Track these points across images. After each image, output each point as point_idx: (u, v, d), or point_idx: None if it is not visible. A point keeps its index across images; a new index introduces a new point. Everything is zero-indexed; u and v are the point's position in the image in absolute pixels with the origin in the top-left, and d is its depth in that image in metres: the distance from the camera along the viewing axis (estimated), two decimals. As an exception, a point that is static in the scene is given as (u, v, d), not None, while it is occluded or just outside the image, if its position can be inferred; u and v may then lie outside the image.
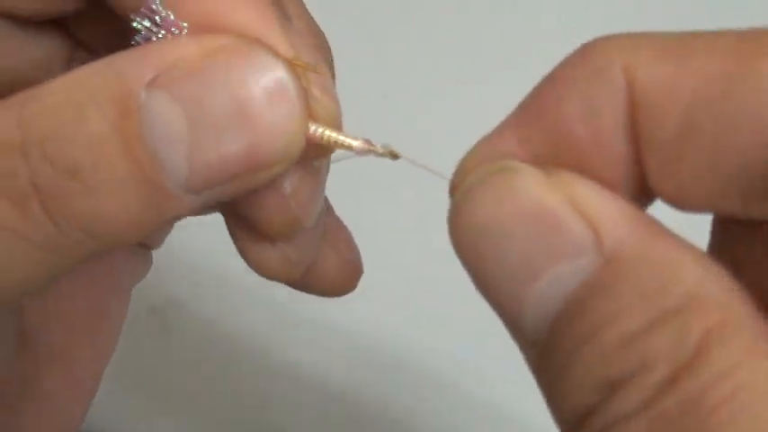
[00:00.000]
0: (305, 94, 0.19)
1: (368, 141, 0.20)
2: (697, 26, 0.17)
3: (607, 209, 0.17)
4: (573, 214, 0.17)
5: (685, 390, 0.15)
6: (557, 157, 0.18)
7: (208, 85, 0.18)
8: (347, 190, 0.46)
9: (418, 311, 0.44)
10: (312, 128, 0.19)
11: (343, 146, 0.20)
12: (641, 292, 0.16)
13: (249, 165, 0.18)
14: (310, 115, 0.19)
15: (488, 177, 0.17)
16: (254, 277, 0.45)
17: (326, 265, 0.25)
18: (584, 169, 0.17)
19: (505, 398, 0.42)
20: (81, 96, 0.18)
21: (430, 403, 0.42)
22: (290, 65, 0.18)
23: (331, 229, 0.25)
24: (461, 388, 0.42)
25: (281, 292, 0.43)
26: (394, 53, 0.48)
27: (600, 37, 0.17)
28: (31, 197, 0.18)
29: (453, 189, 0.19)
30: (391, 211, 0.44)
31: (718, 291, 0.16)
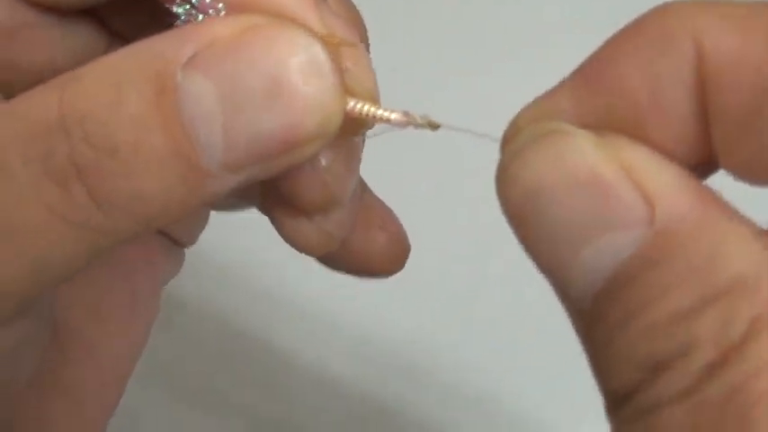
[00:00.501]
0: (341, 71, 0.19)
1: (406, 113, 0.20)
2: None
3: (662, 178, 0.16)
4: (626, 182, 0.16)
5: (729, 377, 0.15)
6: (613, 123, 0.17)
7: (243, 64, 0.18)
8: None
9: (422, 306, 0.44)
10: (351, 103, 0.19)
11: (381, 119, 0.20)
12: (692, 269, 0.15)
13: (286, 142, 0.18)
14: (347, 91, 0.19)
15: (540, 138, 0.17)
16: (256, 275, 0.45)
17: (375, 245, 0.25)
18: (642, 137, 0.17)
19: (511, 394, 0.42)
20: (119, 76, 0.18)
21: (431, 398, 0.42)
22: (325, 42, 0.18)
23: (374, 206, 0.25)
24: (463, 383, 0.42)
25: (283, 289, 0.43)
26: (396, 46, 0.48)
27: (669, 1, 0.17)
28: (71, 177, 0.18)
29: (504, 145, 0.18)
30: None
31: None
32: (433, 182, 0.46)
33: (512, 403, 0.42)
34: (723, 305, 0.15)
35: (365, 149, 0.23)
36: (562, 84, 0.18)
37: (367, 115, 0.19)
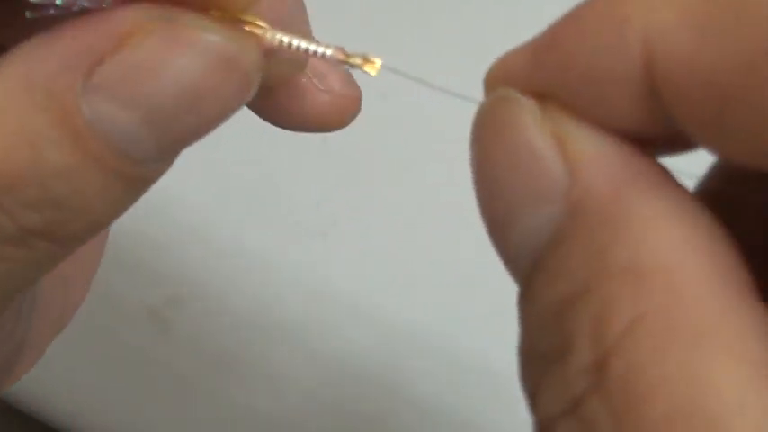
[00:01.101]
0: (254, 52, 0.17)
1: (342, 50, 0.18)
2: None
3: (590, 150, 0.14)
4: (555, 154, 0.15)
5: (610, 387, 0.13)
6: (561, 94, 0.16)
7: (147, 82, 0.16)
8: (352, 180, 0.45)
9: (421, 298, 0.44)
10: (284, 39, 0.18)
11: (314, 55, 0.18)
12: (588, 253, 0.14)
13: (209, 128, 0.17)
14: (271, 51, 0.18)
15: (488, 106, 0.16)
16: (255, 277, 0.45)
17: (315, 103, 0.23)
18: (592, 108, 0.15)
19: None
20: (29, 132, 0.16)
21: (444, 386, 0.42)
22: (225, 21, 0.17)
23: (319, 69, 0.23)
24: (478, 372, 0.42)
25: (283, 290, 0.43)
26: (393, 50, 0.48)
27: None
28: (26, 237, 0.17)
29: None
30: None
31: (688, 261, 0.13)
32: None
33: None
34: (604, 291, 0.13)
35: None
36: (525, 45, 0.16)
37: (297, 50, 0.18)
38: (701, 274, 0.13)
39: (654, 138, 0.15)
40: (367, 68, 0.18)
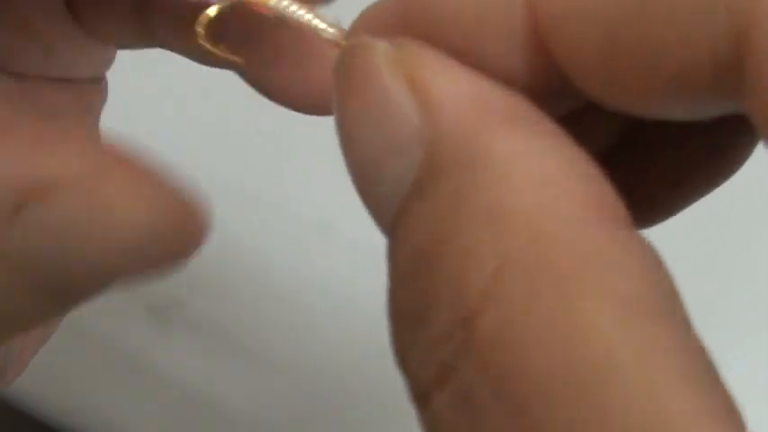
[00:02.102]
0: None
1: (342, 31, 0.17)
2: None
3: (449, 88, 0.13)
4: (409, 96, 0.13)
5: (476, 352, 0.11)
6: (435, 39, 0.14)
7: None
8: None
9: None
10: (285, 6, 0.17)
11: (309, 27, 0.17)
12: (443, 202, 0.12)
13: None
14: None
15: (343, 55, 0.15)
16: (255, 276, 0.45)
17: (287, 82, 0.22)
18: (464, 52, 0.14)
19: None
20: None
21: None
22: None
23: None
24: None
25: (284, 290, 0.43)
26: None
27: None
28: None
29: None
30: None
31: (551, 200, 0.12)
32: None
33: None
34: (464, 241, 0.12)
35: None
36: None
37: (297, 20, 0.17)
38: (566, 212, 0.12)
39: (537, 90, 0.14)
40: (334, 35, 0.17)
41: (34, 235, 0.13)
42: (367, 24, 0.15)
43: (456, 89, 0.13)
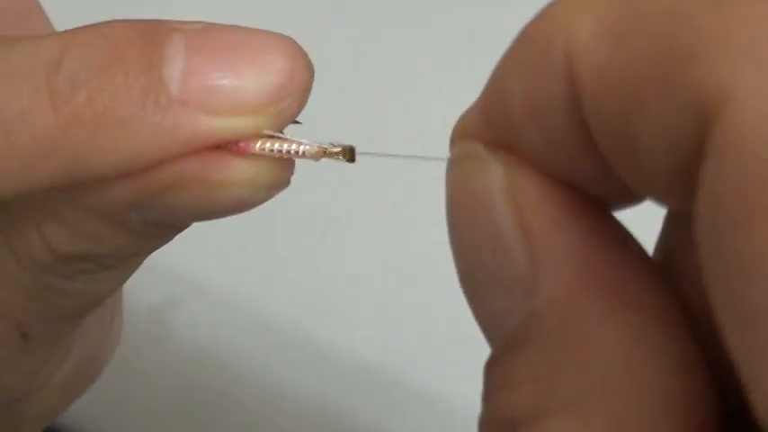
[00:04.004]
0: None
1: (322, 147, 0.19)
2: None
3: (558, 248, 0.13)
4: (520, 242, 0.14)
5: None
6: (507, 143, 0.15)
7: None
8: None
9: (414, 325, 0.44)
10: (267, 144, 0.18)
11: (294, 155, 0.18)
12: (538, 372, 0.13)
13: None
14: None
15: (454, 165, 0.15)
16: (255, 276, 0.45)
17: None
18: (542, 154, 0.14)
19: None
20: None
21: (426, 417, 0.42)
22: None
23: None
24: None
25: (284, 290, 0.43)
26: (392, 50, 0.48)
27: (551, 3, 0.14)
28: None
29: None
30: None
31: (633, 401, 0.12)
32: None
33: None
34: (551, 426, 0.13)
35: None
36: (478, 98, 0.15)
37: (280, 152, 0.18)
38: (656, 418, 0.12)
39: (602, 185, 0.14)
40: (345, 159, 0.19)
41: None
42: (463, 129, 0.15)
43: (563, 249, 0.13)
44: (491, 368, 0.14)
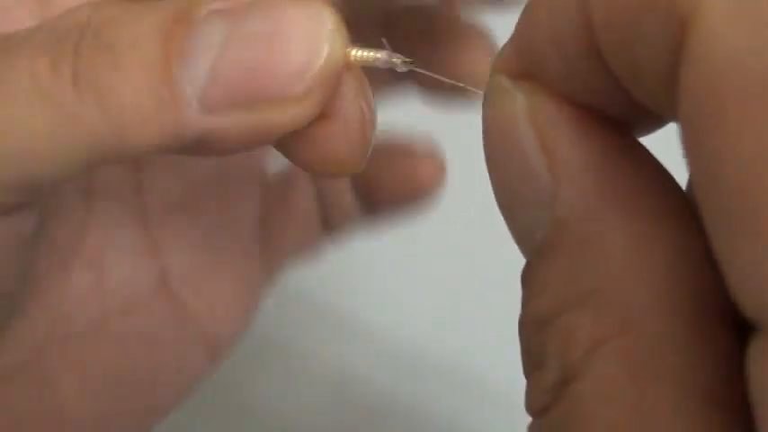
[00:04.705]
0: (344, 32, 0.19)
1: (389, 53, 0.20)
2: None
3: (575, 158, 0.15)
4: (541, 159, 0.15)
5: (567, 406, 0.14)
6: (536, 75, 0.16)
7: (258, 17, 0.18)
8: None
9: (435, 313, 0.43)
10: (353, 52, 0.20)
11: (373, 62, 0.20)
12: (565, 271, 0.15)
13: (267, 87, 0.18)
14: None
15: (486, 98, 0.17)
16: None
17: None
18: (558, 91, 0.16)
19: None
20: (153, 3, 0.19)
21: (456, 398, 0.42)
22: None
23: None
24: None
25: (285, 290, 0.42)
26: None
27: None
28: (66, 56, 0.19)
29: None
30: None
31: (638, 292, 0.14)
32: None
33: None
34: (569, 319, 0.14)
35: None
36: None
37: (360, 59, 0.20)
38: (662, 311, 0.14)
39: (619, 107, 0.15)
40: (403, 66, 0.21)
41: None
42: (499, 64, 0.17)
43: (580, 160, 0.15)
44: (525, 276, 0.16)
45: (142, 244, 0.27)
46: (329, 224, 0.31)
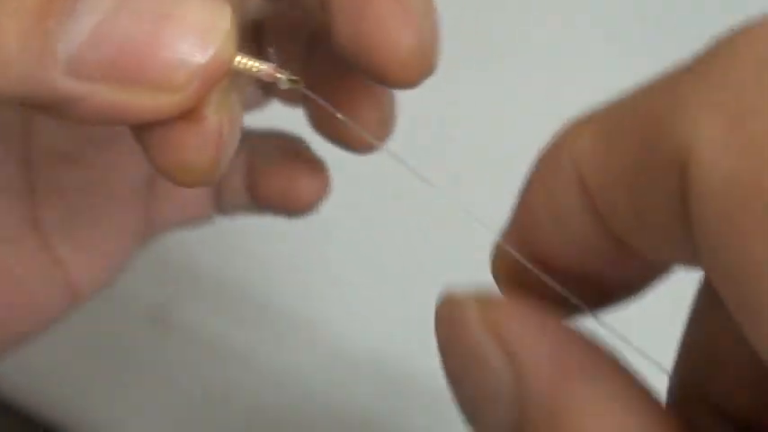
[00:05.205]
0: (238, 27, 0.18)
1: (276, 68, 0.20)
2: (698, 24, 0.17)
3: (532, 346, 0.15)
4: (497, 353, 0.15)
5: None
6: (544, 257, 0.17)
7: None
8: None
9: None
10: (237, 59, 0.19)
11: (251, 71, 0.19)
12: None
13: (153, 69, 0.17)
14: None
15: (439, 310, 0.17)
16: (254, 276, 0.45)
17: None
18: (576, 266, 0.17)
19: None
20: None
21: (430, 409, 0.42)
22: None
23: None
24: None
25: (285, 289, 0.43)
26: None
27: (559, 130, 0.17)
28: None
29: None
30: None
31: None
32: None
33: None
34: None
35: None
36: (509, 221, 0.18)
37: (242, 67, 0.19)
38: None
39: (614, 269, 0.16)
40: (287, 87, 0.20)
41: None
42: (505, 239, 0.18)
43: (538, 347, 0.15)
44: None
45: (19, 185, 0.26)
46: (219, 201, 0.30)
